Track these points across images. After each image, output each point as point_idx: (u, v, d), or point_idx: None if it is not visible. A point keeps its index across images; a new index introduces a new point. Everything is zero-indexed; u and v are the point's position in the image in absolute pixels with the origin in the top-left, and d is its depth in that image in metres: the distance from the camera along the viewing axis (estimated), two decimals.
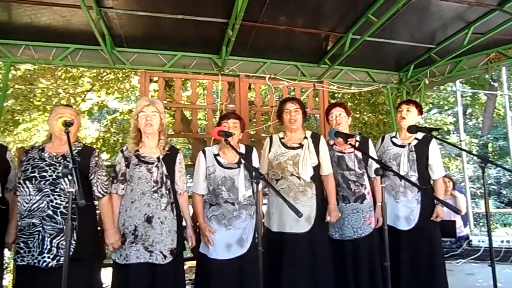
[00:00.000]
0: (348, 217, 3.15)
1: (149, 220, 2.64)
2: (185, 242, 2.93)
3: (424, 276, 3.13)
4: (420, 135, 3.30)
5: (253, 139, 4.93)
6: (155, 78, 4.95)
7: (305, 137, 3.17)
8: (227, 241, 2.84)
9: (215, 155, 3.01)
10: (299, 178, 3.03)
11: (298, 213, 1.96)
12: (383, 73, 5.36)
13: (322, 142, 3.19)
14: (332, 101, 6.84)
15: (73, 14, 3.54)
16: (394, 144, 3.39)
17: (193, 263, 4.02)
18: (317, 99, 5.41)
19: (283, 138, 3.23)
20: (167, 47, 4.35)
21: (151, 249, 2.61)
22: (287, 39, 4.35)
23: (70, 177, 1.92)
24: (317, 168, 3.12)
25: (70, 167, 1.87)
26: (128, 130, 8.32)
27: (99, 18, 3.47)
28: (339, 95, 7.84)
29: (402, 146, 3.32)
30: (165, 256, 2.63)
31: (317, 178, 3.11)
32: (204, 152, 3.04)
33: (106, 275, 3.07)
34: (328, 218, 3.03)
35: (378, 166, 3.11)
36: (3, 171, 2.61)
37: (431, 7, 3.75)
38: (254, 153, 3.10)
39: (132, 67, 4.43)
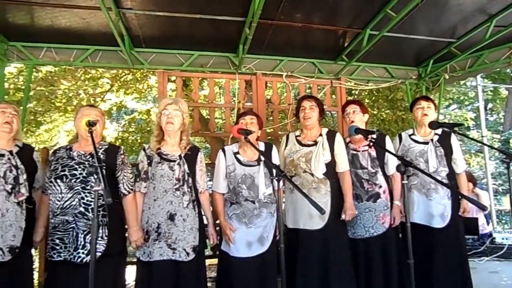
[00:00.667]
0: (360, 216, 3.11)
1: (171, 217, 2.67)
2: (206, 240, 2.95)
3: (455, 274, 3.09)
4: (438, 130, 3.25)
5: (270, 137, 4.93)
6: (172, 78, 4.99)
7: (321, 134, 3.16)
8: (248, 239, 2.84)
9: (235, 153, 3.02)
10: (312, 174, 3.03)
11: (321, 210, 1.95)
12: (402, 68, 5.29)
13: (338, 139, 3.15)
14: (349, 98, 6.78)
15: (93, 16, 3.60)
16: (415, 141, 3.33)
17: (212, 261, 4.05)
18: (333, 96, 5.38)
19: (299, 136, 3.23)
20: (185, 47, 4.39)
21: (174, 246, 2.63)
22: (303, 36, 4.34)
23: (95, 176, 1.97)
24: (331, 165, 3.09)
25: (96, 166, 1.91)
26: (145, 130, 8.47)
27: (118, 19, 3.52)
28: (356, 92, 7.79)
29: (425, 143, 3.26)
30: (187, 254, 2.65)
31: (332, 175, 3.08)
32: (223, 151, 3.06)
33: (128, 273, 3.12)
34: (343, 216, 3.01)
35: (394, 163, 3.12)
36: (31, 171, 2.66)
37: (451, 0, 3.68)
38: (274, 150, 3.10)
39: (151, 67, 4.49)
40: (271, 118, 5.50)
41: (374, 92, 7.33)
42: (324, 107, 3.63)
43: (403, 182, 2.41)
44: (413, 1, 3.41)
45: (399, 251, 3.06)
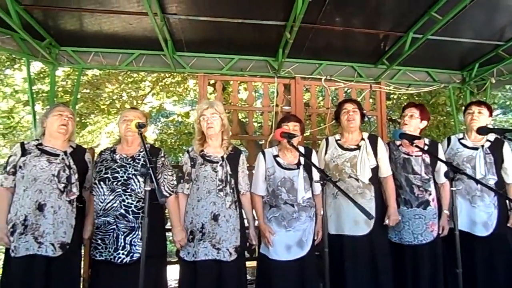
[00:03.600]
0: (409, 222, 3.04)
1: (215, 218, 2.72)
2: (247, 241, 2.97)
3: (502, 285, 2.97)
4: (491, 137, 3.14)
5: (308, 141, 4.91)
6: (211, 81, 5.07)
7: (362, 139, 3.13)
8: (287, 243, 2.85)
9: (275, 156, 3.04)
10: (357, 180, 3.01)
11: (369, 216, 1.93)
12: (445, 72, 5.12)
13: (380, 143, 3.14)
14: (388, 102, 6.65)
15: (139, 22, 3.72)
16: (464, 146, 3.24)
17: (250, 263, 4.07)
18: (370, 100, 5.29)
19: (339, 139, 3.21)
20: (225, 51, 4.45)
21: (218, 246, 2.68)
22: (343, 40, 4.29)
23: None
24: (375, 170, 3.06)
25: (147, 167, 1.97)
26: (184, 132, 8.65)
27: (163, 24, 3.62)
28: (395, 96, 7.63)
29: (475, 148, 3.16)
30: (230, 254, 2.69)
31: (376, 180, 3.06)
32: (263, 154, 3.09)
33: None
34: (386, 221, 2.97)
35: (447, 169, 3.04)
36: (83, 171, 2.78)
37: (501, 2, 3.55)
38: (314, 155, 3.09)
39: (192, 71, 4.57)
40: (309, 122, 5.48)
41: (415, 96, 7.15)
42: (364, 111, 3.58)
43: (452, 189, 2.34)
44: (461, 3, 3.31)
45: (444, 259, 2.99)
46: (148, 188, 2.05)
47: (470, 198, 3.12)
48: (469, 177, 2.56)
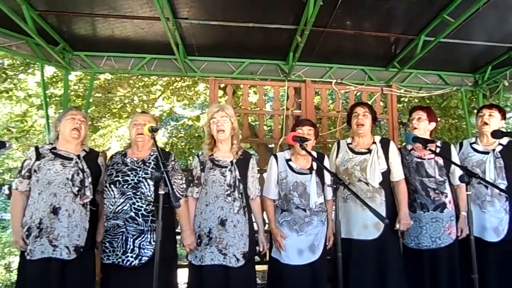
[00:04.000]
0: (427, 225, 3.02)
1: (222, 223, 2.71)
2: (256, 247, 2.96)
3: None
4: (504, 140, 3.10)
5: (319, 145, 4.90)
6: (222, 85, 5.08)
7: (374, 142, 3.11)
8: (299, 247, 2.84)
9: (287, 160, 3.04)
10: (367, 184, 2.99)
11: (383, 219, 1.92)
12: (457, 75, 5.08)
13: (392, 147, 3.12)
14: (399, 105, 6.61)
15: (151, 26, 3.76)
16: (475, 150, 3.20)
17: (259, 267, 4.06)
18: (381, 103, 5.26)
19: (350, 143, 3.19)
20: (236, 55, 4.46)
21: (224, 251, 2.67)
22: (354, 43, 4.28)
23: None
24: (386, 174, 3.04)
25: (161, 171, 1.98)
26: (194, 136, 8.69)
27: (174, 28, 3.65)
28: (406, 99, 7.58)
29: (486, 153, 3.13)
30: (238, 260, 2.68)
31: (387, 184, 3.04)
32: (276, 157, 3.08)
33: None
34: (397, 226, 2.94)
35: (462, 172, 3.00)
36: (96, 174, 2.81)
37: None
38: (326, 161, 3.06)
39: (203, 75, 4.61)
40: (319, 125, 5.47)
41: (426, 99, 7.10)
42: (376, 115, 3.56)
43: (467, 193, 2.32)
44: (474, 5, 3.29)
45: (463, 264, 2.95)
46: (161, 192, 2.06)
47: (480, 203, 3.09)
48: (485, 181, 2.53)
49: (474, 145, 3.24)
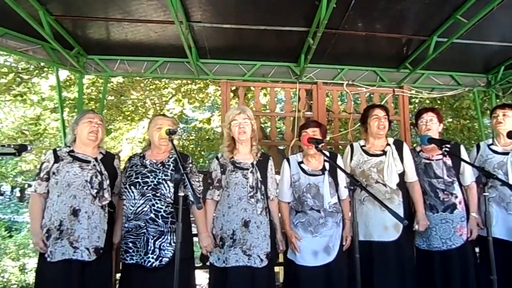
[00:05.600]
0: (436, 227, 3.01)
1: (246, 224, 2.74)
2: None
3: None
4: None
5: (331, 147, 4.91)
6: (232, 87, 5.11)
7: (388, 144, 3.12)
8: (314, 248, 2.85)
9: (299, 163, 3.05)
10: (384, 185, 2.99)
11: (402, 220, 1.92)
12: (469, 76, 5.05)
13: (406, 148, 3.14)
14: (410, 107, 6.58)
15: (164, 30, 3.80)
16: (494, 152, 3.18)
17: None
18: (392, 104, 5.24)
19: (364, 145, 3.20)
20: (248, 57, 4.50)
21: (249, 252, 2.70)
22: (365, 44, 4.29)
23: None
24: (401, 176, 3.05)
25: (181, 173, 2.01)
26: (204, 138, 8.73)
27: (188, 32, 3.69)
28: (417, 100, 7.54)
29: (505, 153, 3.10)
30: (261, 260, 2.71)
31: (402, 185, 3.05)
32: (288, 160, 3.10)
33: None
34: (416, 227, 2.95)
35: (471, 173, 3.00)
36: (112, 177, 2.84)
37: None
38: (339, 160, 3.06)
39: (215, 78, 4.64)
40: (330, 127, 5.47)
41: (437, 100, 7.06)
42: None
43: (484, 194, 2.31)
44: (487, 6, 3.28)
45: (476, 265, 2.94)
46: (181, 194, 2.10)
47: (505, 205, 3.03)
48: (503, 182, 2.52)
49: (492, 147, 3.22)
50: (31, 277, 6.41)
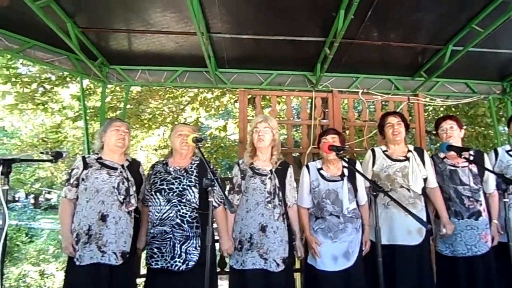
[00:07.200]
0: (461, 233, 3.05)
1: (263, 229, 2.82)
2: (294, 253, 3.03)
3: None
4: None
5: (346, 154, 4.94)
6: (248, 96, 5.20)
7: (409, 150, 3.19)
8: (334, 254, 2.90)
9: (318, 169, 3.12)
10: (408, 190, 3.05)
11: (426, 225, 1.97)
12: (484, 83, 5.07)
13: (426, 155, 3.22)
14: (425, 114, 6.59)
15: (185, 40, 3.92)
16: None
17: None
18: (407, 112, 5.27)
19: (386, 151, 3.26)
20: (264, 67, 4.59)
21: (265, 256, 2.77)
22: (381, 53, 4.35)
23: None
24: (424, 181, 3.12)
25: (211, 179, 2.11)
26: (220, 145, 8.84)
27: (208, 42, 3.80)
28: (431, 108, 7.55)
29: None
30: (278, 264, 2.77)
31: (424, 191, 3.12)
32: (307, 167, 3.18)
33: None
34: (444, 231, 3.00)
35: (494, 181, 3.03)
36: (138, 183, 2.95)
37: None
38: (358, 166, 3.13)
39: (232, 86, 4.73)
40: (345, 134, 5.51)
41: (452, 108, 7.06)
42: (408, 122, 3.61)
43: (504, 200, 2.35)
44: (504, 15, 3.32)
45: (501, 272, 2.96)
46: (211, 199, 2.18)
47: None
48: None
49: (511, 152, 3.25)
50: (50, 282, 6.55)
